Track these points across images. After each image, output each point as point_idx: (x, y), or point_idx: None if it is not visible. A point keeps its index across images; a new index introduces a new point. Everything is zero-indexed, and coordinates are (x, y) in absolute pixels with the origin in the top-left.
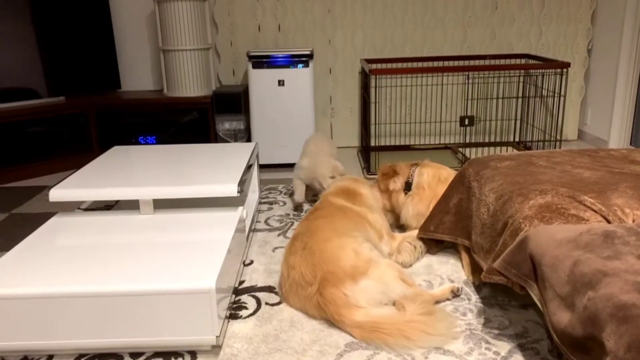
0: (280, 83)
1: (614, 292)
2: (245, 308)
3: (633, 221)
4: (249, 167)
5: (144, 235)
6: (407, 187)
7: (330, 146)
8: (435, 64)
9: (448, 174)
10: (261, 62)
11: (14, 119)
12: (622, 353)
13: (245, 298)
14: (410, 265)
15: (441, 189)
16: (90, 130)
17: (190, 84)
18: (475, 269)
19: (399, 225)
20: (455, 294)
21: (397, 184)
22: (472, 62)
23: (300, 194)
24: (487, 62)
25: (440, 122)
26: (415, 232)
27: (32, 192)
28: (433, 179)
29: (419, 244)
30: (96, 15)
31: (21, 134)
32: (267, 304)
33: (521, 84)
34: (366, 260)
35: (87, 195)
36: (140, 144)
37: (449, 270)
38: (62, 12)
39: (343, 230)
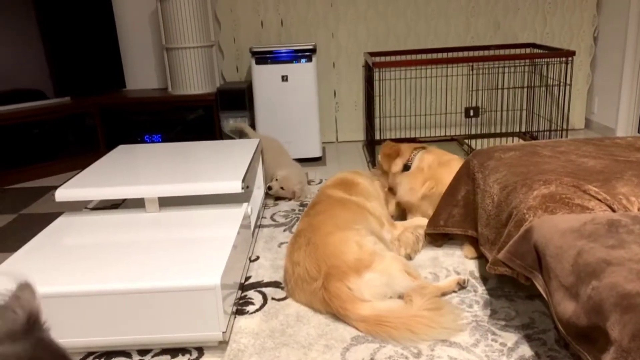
0: (284, 78)
1: (618, 281)
2: (252, 303)
3: (638, 210)
4: (253, 163)
5: (150, 233)
6: (405, 169)
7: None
8: (440, 55)
9: (450, 157)
10: (264, 58)
11: (20, 120)
12: (627, 342)
13: (251, 294)
14: (412, 258)
15: (441, 172)
16: (97, 130)
17: (194, 81)
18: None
19: (400, 215)
20: (462, 285)
21: (397, 166)
22: (476, 53)
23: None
24: (491, 52)
25: (446, 113)
26: (416, 221)
27: (39, 192)
28: (434, 162)
29: (421, 233)
30: (100, 15)
31: (28, 135)
32: (273, 299)
33: (527, 74)
34: (370, 253)
35: (92, 195)
36: (146, 142)
37: (455, 263)
38: (66, 12)
39: (345, 224)
